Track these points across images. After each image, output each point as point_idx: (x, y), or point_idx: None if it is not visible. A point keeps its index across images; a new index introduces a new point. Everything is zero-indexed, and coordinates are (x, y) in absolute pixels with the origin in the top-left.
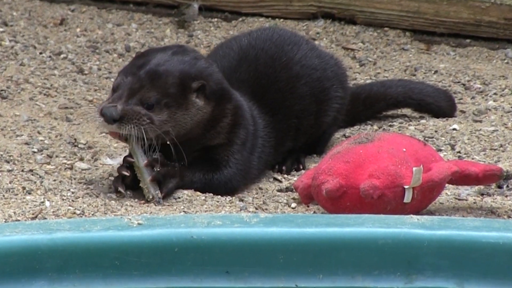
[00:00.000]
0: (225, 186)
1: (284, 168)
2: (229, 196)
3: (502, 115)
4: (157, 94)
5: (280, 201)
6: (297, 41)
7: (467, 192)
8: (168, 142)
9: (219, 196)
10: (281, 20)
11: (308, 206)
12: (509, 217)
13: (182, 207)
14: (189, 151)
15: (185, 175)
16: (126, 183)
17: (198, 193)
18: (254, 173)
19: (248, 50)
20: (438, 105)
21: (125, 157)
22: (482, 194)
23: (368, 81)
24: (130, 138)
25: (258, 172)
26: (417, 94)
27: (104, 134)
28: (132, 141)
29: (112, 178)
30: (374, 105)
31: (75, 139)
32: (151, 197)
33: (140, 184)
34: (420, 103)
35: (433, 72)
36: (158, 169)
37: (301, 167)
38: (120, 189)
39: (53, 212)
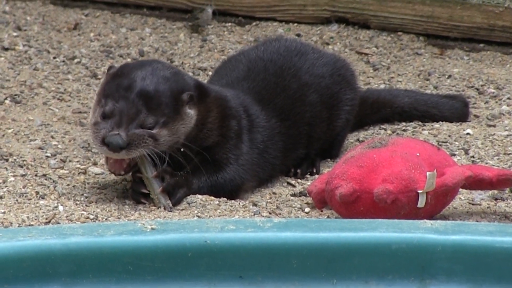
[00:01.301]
0: (230, 184)
1: (299, 171)
2: (242, 201)
3: None
4: (155, 117)
5: (293, 205)
6: (304, 50)
7: (481, 197)
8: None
9: (233, 201)
10: (295, 24)
11: (321, 211)
12: None
13: (195, 211)
14: (189, 156)
15: (192, 183)
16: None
17: (212, 197)
18: (259, 170)
19: (256, 62)
20: (443, 115)
21: (133, 173)
22: (496, 199)
23: (381, 86)
24: (142, 160)
25: (264, 173)
26: (422, 106)
27: None
28: (139, 159)
29: (126, 184)
30: (380, 110)
31: (88, 144)
32: (162, 207)
33: (150, 195)
34: (424, 115)
35: (446, 76)
36: (168, 180)
37: (315, 172)
38: (142, 200)
39: (67, 216)
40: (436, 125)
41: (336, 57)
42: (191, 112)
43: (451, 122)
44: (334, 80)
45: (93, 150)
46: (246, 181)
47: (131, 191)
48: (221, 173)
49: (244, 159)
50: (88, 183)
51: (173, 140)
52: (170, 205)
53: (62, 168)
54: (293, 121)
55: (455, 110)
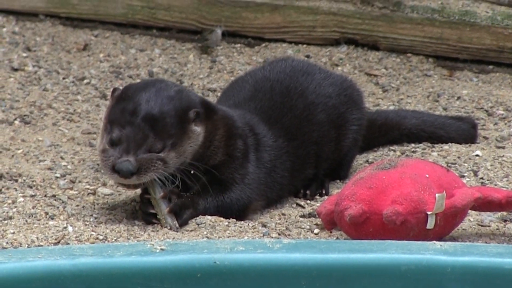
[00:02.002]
0: (237, 204)
1: (308, 192)
2: (251, 222)
3: None
4: (162, 140)
5: (303, 226)
6: (311, 70)
7: (490, 218)
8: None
9: (242, 222)
10: (304, 46)
11: (331, 232)
12: None
13: (205, 232)
14: (195, 176)
15: (198, 203)
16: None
17: (221, 218)
18: (266, 190)
19: (263, 82)
20: (449, 136)
21: (141, 195)
22: (505, 220)
23: (391, 107)
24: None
25: (272, 192)
26: (429, 127)
27: None
28: (152, 187)
29: (135, 204)
30: (388, 133)
31: (98, 165)
32: (169, 227)
33: (158, 216)
34: (431, 136)
35: (456, 98)
36: (175, 201)
37: (324, 193)
38: (154, 221)
39: (76, 237)
40: (445, 146)
41: (343, 77)
42: (198, 130)
43: (459, 143)
44: (341, 100)
45: (102, 171)
46: (254, 200)
47: (141, 213)
48: (227, 193)
49: (250, 178)
50: (97, 204)
51: (181, 161)
52: (177, 225)
53: (71, 188)
54: (301, 141)
55: (462, 132)
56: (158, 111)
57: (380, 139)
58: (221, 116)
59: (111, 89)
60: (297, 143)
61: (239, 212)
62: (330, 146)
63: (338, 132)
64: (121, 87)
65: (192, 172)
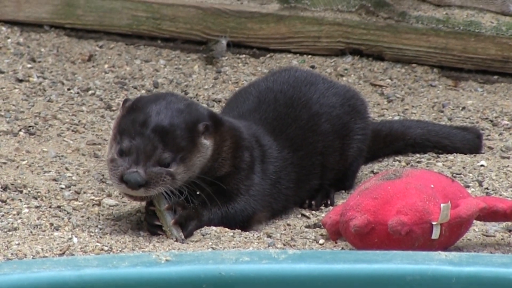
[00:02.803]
0: (241, 214)
1: (313, 203)
2: (256, 232)
3: None
4: (172, 153)
5: (308, 237)
6: (314, 81)
7: (495, 229)
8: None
9: (247, 232)
10: (309, 56)
11: (336, 242)
12: None
13: (210, 243)
14: (200, 186)
15: (202, 214)
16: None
17: (226, 229)
18: (271, 201)
19: (266, 93)
20: (454, 146)
21: (146, 206)
22: (510, 231)
23: (396, 117)
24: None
25: (277, 203)
26: (433, 137)
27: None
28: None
29: (140, 215)
30: (393, 143)
31: (103, 175)
32: (174, 239)
33: (163, 228)
34: (436, 146)
35: (460, 108)
36: (180, 212)
37: (330, 203)
38: (159, 232)
39: (81, 248)
40: (450, 156)
41: (347, 87)
42: (207, 143)
43: (464, 153)
44: (344, 110)
45: (107, 182)
46: (258, 211)
47: (146, 224)
48: (231, 203)
49: (255, 190)
50: (102, 215)
51: (189, 175)
52: (183, 237)
53: (76, 199)
54: (306, 152)
55: (467, 142)
56: (168, 123)
57: (385, 149)
58: (228, 127)
59: (123, 100)
60: (302, 154)
61: (243, 223)
62: (335, 156)
63: (343, 142)
64: (132, 98)
65: (197, 183)
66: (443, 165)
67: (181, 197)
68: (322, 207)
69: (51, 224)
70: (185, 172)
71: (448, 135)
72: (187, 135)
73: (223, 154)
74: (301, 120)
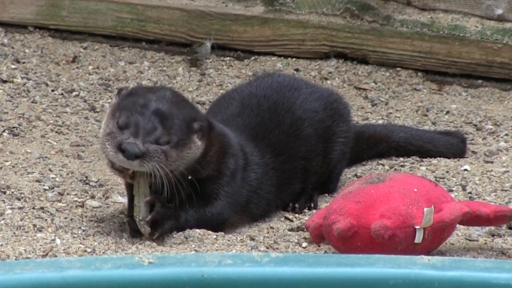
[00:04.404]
0: (217, 218)
1: (297, 206)
2: (239, 235)
3: None
4: (169, 135)
5: (291, 240)
6: (297, 86)
7: (478, 233)
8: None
9: (230, 235)
10: (294, 59)
11: (319, 246)
12: None
13: (193, 245)
14: (182, 186)
15: (180, 215)
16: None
17: (210, 232)
18: (251, 207)
19: (250, 98)
20: (438, 151)
21: (128, 212)
22: (493, 235)
23: (380, 121)
24: (139, 176)
25: (257, 208)
26: (417, 141)
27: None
28: (140, 178)
29: (123, 216)
30: (377, 145)
31: (86, 177)
32: (143, 230)
33: (135, 218)
34: (420, 150)
35: (444, 112)
36: (158, 209)
37: (313, 206)
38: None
39: (64, 250)
40: (434, 161)
41: (329, 91)
42: (198, 143)
43: (448, 158)
44: (327, 114)
45: (91, 184)
46: (232, 217)
47: (128, 227)
48: (209, 207)
49: (233, 198)
50: (85, 216)
51: (177, 165)
52: (150, 233)
53: (59, 201)
54: (288, 156)
55: (451, 146)
56: (168, 111)
57: (368, 151)
58: (217, 133)
59: (117, 90)
60: (284, 158)
61: (218, 227)
62: (317, 160)
63: (325, 146)
64: (125, 90)
65: (178, 181)
66: (426, 169)
67: (163, 194)
68: (306, 210)
69: (34, 225)
70: (176, 160)
71: (432, 139)
72: (184, 127)
73: (207, 158)
74: (284, 125)
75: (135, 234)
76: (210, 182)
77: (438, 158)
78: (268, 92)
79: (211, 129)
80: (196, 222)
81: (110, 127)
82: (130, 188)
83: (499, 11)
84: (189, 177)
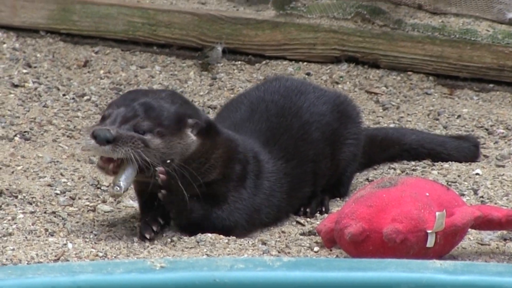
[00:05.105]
0: (222, 223)
1: (308, 210)
2: (251, 239)
3: None
4: (150, 123)
5: (303, 244)
6: (304, 90)
7: (490, 237)
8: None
9: (242, 239)
10: (305, 63)
11: (331, 250)
12: None
13: (205, 250)
14: (187, 190)
15: (186, 202)
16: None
17: (221, 236)
18: (262, 217)
19: (258, 103)
20: (449, 154)
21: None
22: (505, 239)
23: (391, 125)
24: (124, 163)
25: (268, 217)
26: (429, 144)
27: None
28: (127, 165)
29: (135, 220)
30: (389, 148)
31: (98, 181)
32: (113, 185)
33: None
34: (431, 153)
35: (456, 116)
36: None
37: (324, 210)
38: (147, 236)
39: (76, 254)
40: (446, 165)
41: (337, 94)
42: (192, 137)
43: (460, 161)
44: (334, 117)
45: (102, 188)
46: (240, 226)
47: (139, 234)
48: (216, 207)
49: (242, 204)
50: (97, 221)
51: (166, 155)
52: (120, 189)
53: (71, 205)
54: (298, 160)
55: (462, 150)
56: (157, 104)
57: (381, 154)
58: (224, 138)
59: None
60: (295, 162)
61: (227, 232)
62: (326, 163)
63: (334, 148)
64: None
65: (187, 180)
66: (438, 173)
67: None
68: (317, 215)
69: (46, 230)
70: (162, 148)
71: (443, 142)
72: (174, 120)
73: (211, 161)
74: (292, 129)
75: (144, 238)
76: (216, 184)
77: (450, 162)
78: (276, 97)
79: (216, 134)
80: (201, 219)
81: (96, 122)
82: (142, 193)
83: (511, 15)
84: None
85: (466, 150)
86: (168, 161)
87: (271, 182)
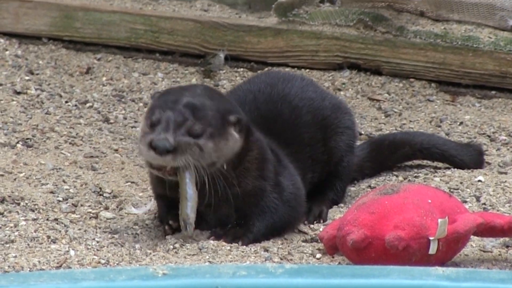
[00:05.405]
0: (281, 223)
1: (306, 222)
2: (253, 246)
3: None
4: (201, 126)
5: (305, 251)
6: (291, 78)
7: (492, 244)
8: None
9: (244, 246)
10: (307, 70)
11: (333, 257)
12: None
13: (207, 257)
14: (222, 196)
15: (249, 229)
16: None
17: (223, 243)
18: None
19: (245, 95)
20: (461, 158)
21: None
22: (507, 246)
23: (394, 132)
24: (180, 171)
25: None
26: (441, 146)
27: (129, 183)
28: (182, 172)
29: (137, 227)
30: (399, 149)
31: (100, 188)
32: (184, 228)
33: (180, 214)
34: (444, 154)
35: (458, 123)
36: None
37: (322, 221)
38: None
39: (78, 261)
40: (448, 172)
41: (328, 91)
42: (236, 136)
43: (468, 167)
44: (325, 105)
45: (104, 195)
46: (296, 215)
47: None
48: (269, 215)
49: (287, 194)
50: (99, 228)
51: (216, 158)
52: (193, 234)
53: (73, 212)
54: (298, 144)
55: (470, 153)
56: (200, 103)
57: (391, 157)
58: (256, 138)
59: (152, 94)
60: (295, 147)
61: (288, 228)
62: (319, 147)
63: (324, 134)
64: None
65: (225, 191)
66: (440, 180)
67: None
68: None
69: (48, 237)
70: (213, 151)
71: (452, 145)
72: (218, 118)
73: (245, 163)
74: (284, 114)
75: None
76: (260, 194)
77: (452, 169)
78: (262, 86)
79: (250, 133)
80: (266, 230)
81: (143, 128)
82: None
83: None
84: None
85: (472, 152)
86: (217, 165)
87: (290, 169)
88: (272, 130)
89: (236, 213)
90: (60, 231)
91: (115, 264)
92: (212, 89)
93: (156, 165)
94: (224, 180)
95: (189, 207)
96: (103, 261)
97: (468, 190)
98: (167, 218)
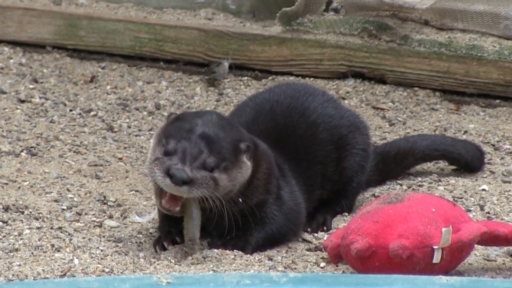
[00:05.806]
0: (279, 234)
1: (309, 230)
2: (258, 255)
3: None
4: (216, 159)
5: (309, 260)
6: (312, 91)
7: (496, 253)
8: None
9: (248, 255)
10: (311, 79)
11: (337, 266)
12: None
13: (211, 265)
14: (228, 213)
15: (247, 240)
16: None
17: (227, 251)
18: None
19: (263, 104)
20: (460, 154)
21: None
22: (511, 255)
23: None
24: (190, 201)
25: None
26: (439, 145)
27: (133, 191)
28: (189, 200)
29: (141, 236)
30: (403, 161)
31: (104, 197)
32: (190, 250)
33: (185, 238)
34: (444, 154)
35: (462, 132)
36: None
37: (326, 230)
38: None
39: (82, 269)
40: (452, 180)
41: (347, 107)
42: (248, 163)
43: (467, 163)
44: (343, 123)
45: (108, 204)
46: (291, 231)
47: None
48: (268, 226)
49: (287, 208)
50: (103, 236)
51: (230, 188)
52: (201, 253)
53: (77, 221)
54: (308, 161)
55: (470, 149)
56: (214, 134)
57: (397, 169)
58: (262, 151)
59: (168, 115)
60: (306, 163)
61: (284, 241)
62: (332, 166)
63: (339, 153)
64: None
65: (234, 208)
66: (444, 189)
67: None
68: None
69: (52, 245)
70: (228, 182)
71: (453, 142)
72: (231, 148)
73: (255, 181)
74: (300, 129)
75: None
76: (262, 206)
77: (456, 178)
78: (281, 97)
79: (256, 149)
80: (264, 241)
81: (157, 153)
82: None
83: None
84: (240, 200)
85: (473, 151)
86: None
87: (291, 182)
88: (285, 143)
89: (236, 223)
90: (64, 240)
91: (119, 273)
92: (223, 116)
93: (164, 206)
94: (230, 199)
95: (195, 227)
96: (107, 270)
97: (472, 199)
98: (172, 234)
